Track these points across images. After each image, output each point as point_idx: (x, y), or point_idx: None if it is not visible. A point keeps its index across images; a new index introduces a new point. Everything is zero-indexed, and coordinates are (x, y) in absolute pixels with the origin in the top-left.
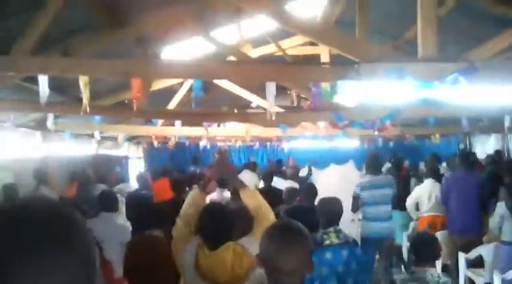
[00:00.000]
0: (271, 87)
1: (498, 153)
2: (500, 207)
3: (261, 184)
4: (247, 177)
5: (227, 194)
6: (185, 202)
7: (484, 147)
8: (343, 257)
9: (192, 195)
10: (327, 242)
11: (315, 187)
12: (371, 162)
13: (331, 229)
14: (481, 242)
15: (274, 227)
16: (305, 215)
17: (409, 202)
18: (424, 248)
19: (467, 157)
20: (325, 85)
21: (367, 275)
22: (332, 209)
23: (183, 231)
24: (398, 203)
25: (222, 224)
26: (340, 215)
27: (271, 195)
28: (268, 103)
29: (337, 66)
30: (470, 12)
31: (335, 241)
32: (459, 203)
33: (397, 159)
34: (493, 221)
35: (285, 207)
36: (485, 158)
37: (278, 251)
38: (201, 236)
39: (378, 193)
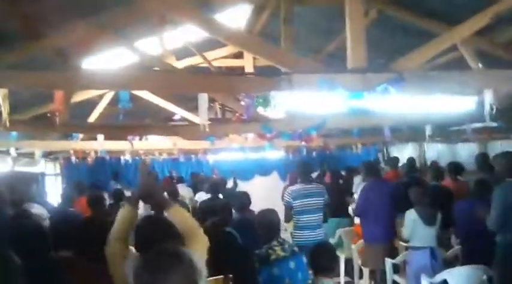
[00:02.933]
0: (203, 99)
1: (410, 160)
2: (411, 214)
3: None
4: (183, 191)
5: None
6: (116, 220)
7: (401, 155)
8: (291, 269)
9: (123, 212)
10: (273, 256)
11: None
12: (302, 171)
13: (275, 242)
14: (394, 248)
15: (150, 253)
16: (252, 228)
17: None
18: (317, 259)
19: (372, 167)
20: (258, 96)
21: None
22: (272, 221)
23: (117, 247)
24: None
25: (158, 237)
26: (280, 227)
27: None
28: (200, 115)
29: (269, 76)
30: (393, 24)
31: (281, 254)
32: (371, 211)
33: (323, 169)
34: (406, 228)
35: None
36: (400, 166)
37: (152, 279)
38: (138, 250)
39: (309, 201)
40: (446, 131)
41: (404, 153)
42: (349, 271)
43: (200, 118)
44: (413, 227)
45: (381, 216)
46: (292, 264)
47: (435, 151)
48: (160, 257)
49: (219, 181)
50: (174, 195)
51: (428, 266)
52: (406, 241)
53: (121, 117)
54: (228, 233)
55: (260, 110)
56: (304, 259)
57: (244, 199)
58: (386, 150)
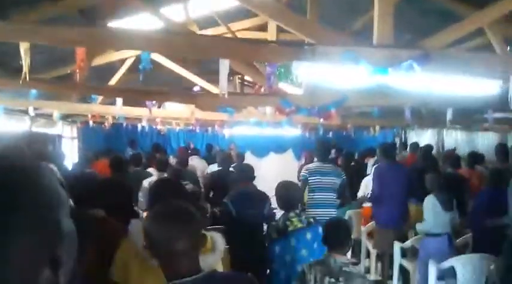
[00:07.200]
0: (224, 65)
1: (427, 146)
2: (430, 199)
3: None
4: (197, 163)
5: None
6: None
7: (420, 140)
8: (307, 240)
9: None
10: (291, 228)
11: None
12: (320, 149)
13: (292, 214)
14: (405, 233)
15: (159, 209)
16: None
17: (360, 193)
18: (331, 234)
19: (389, 150)
20: (280, 66)
21: None
22: (292, 194)
23: None
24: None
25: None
26: (300, 200)
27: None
28: (221, 80)
29: (293, 46)
30: (421, 4)
31: (298, 225)
32: (385, 194)
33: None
34: (428, 214)
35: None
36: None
37: (168, 231)
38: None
39: (326, 180)
40: (467, 118)
41: (422, 139)
42: (356, 253)
43: (220, 85)
44: (433, 213)
45: (395, 200)
46: (308, 235)
47: (453, 139)
48: (171, 209)
49: (234, 155)
50: (184, 164)
51: (445, 253)
52: (424, 227)
53: (141, 78)
54: (223, 203)
55: (279, 84)
56: (320, 230)
57: (247, 171)
58: (404, 134)
